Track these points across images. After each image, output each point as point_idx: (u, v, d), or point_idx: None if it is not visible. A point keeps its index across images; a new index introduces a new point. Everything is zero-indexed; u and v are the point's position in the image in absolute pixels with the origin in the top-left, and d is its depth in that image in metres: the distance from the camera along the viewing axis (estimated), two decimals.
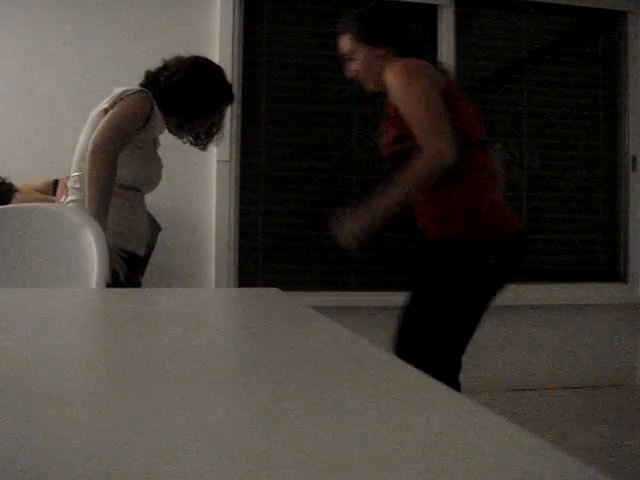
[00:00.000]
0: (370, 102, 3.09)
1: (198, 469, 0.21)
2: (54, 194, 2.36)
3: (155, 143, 1.98)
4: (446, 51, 3.12)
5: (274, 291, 0.80)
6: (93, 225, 1.13)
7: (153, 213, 2.63)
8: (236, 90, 2.91)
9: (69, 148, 2.77)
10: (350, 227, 1.59)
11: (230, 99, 2.02)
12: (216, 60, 2.88)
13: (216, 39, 2.90)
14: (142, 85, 1.90)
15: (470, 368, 3.14)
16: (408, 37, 1.75)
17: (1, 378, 0.32)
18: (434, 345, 1.67)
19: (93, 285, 1.06)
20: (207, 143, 2.09)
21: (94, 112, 1.84)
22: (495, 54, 3.22)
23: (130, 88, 1.82)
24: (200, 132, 2.04)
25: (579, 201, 3.29)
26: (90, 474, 0.20)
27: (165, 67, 1.95)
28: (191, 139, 2.08)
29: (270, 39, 3.00)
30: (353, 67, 1.77)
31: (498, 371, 3.12)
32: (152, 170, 1.93)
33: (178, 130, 2.02)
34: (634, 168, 3.30)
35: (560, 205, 3.27)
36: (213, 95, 1.93)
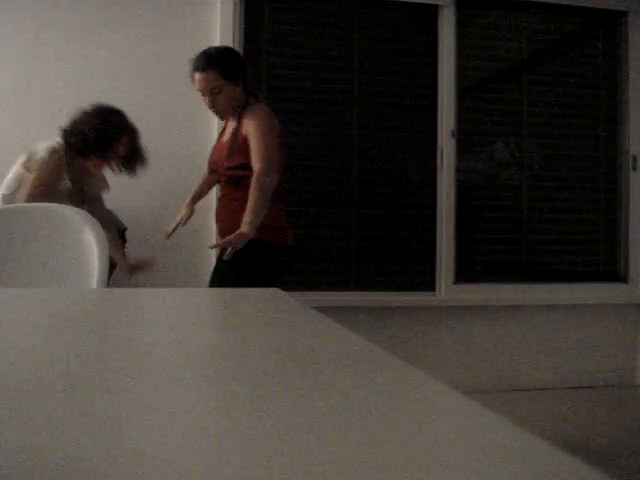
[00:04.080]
0: (371, 103, 3.09)
1: (197, 469, 0.21)
2: None
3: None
4: (447, 51, 3.12)
5: (274, 291, 0.80)
6: (94, 225, 1.13)
7: (153, 214, 2.63)
8: None
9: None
10: (237, 240, 2.02)
11: (130, 134, 2.40)
12: None
13: (216, 40, 2.90)
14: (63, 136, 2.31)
15: (470, 368, 3.14)
16: (247, 77, 2.23)
17: (1, 378, 0.32)
18: None
19: (94, 285, 1.06)
20: (132, 169, 2.46)
21: (18, 162, 2.27)
22: (495, 54, 3.22)
23: (43, 148, 2.24)
24: (119, 163, 2.42)
25: (579, 201, 3.29)
26: (89, 473, 0.20)
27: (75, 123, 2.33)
28: (119, 169, 2.45)
29: (270, 39, 3.00)
30: (216, 100, 2.13)
31: (498, 371, 3.12)
32: None
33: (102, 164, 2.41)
34: (634, 168, 3.30)
35: (560, 205, 3.27)
36: (113, 133, 2.33)
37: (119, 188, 2.71)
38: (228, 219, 2.19)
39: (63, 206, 1.30)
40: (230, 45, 2.90)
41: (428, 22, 3.14)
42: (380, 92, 3.10)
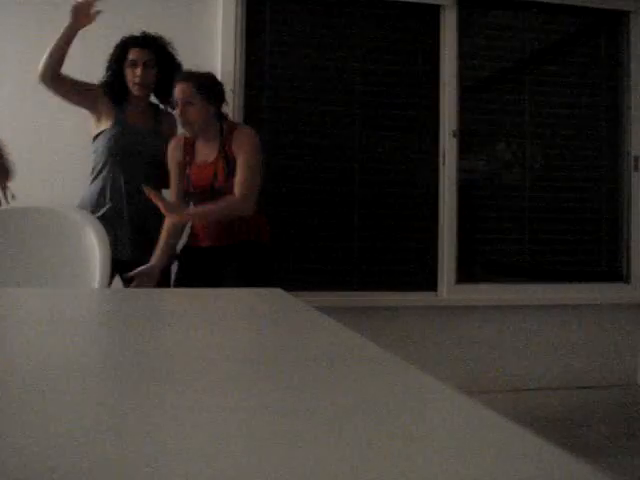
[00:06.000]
0: (372, 102, 3.09)
1: (199, 468, 0.21)
2: None
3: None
4: (448, 51, 3.12)
5: (276, 291, 0.80)
6: (96, 225, 1.13)
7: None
8: (238, 92, 2.92)
9: (70, 146, 2.78)
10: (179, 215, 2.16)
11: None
12: (218, 61, 2.90)
13: (218, 41, 2.90)
14: None
15: (470, 368, 3.14)
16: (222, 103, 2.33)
17: (4, 377, 0.32)
18: None
19: (96, 285, 1.06)
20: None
21: None
22: (497, 54, 3.22)
23: None
24: None
25: (581, 201, 3.29)
26: (93, 473, 0.20)
27: None
28: None
29: (272, 41, 3.00)
30: (187, 111, 2.21)
31: (499, 371, 3.12)
32: None
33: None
34: (636, 168, 3.29)
35: (562, 205, 3.26)
36: None
37: None
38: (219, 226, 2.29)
39: (65, 207, 1.30)
40: (232, 47, 2.91)
41: (430, 22, 3.14)
42: (382, 92, 3.10)
